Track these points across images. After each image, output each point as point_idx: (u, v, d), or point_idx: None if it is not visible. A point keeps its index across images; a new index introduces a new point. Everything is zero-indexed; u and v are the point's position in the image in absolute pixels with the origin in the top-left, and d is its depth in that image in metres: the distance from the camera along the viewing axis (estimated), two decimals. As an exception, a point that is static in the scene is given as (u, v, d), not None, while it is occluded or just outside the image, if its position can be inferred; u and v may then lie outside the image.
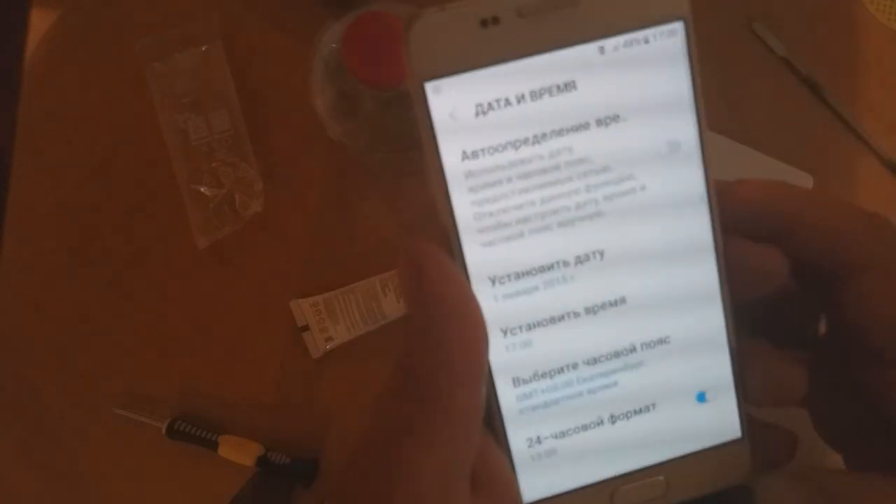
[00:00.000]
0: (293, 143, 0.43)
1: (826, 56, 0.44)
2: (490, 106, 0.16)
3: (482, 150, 0.16)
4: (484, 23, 0.15)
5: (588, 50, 0.16)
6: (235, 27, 0.44)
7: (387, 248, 0.42)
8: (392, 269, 0.41)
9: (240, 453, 0.39)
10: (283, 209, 0.43)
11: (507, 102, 0.16)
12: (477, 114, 0.16)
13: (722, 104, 0.43)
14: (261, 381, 0.41)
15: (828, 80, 0.43)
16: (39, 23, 0.45)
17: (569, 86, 0.16)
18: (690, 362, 0.17)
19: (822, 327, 0.18)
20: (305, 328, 0.40)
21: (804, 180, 0.42)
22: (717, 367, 0.18)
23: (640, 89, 0.16)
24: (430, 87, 0.16)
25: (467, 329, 0.15)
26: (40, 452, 0.41)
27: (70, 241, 0.43)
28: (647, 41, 0.16)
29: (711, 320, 0.17)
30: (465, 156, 0.16)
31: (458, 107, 0.16)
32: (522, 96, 0.16)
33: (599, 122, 0.16)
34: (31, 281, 0.42)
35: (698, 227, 0.17)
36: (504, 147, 0.16)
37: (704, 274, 0.17)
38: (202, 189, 0.42)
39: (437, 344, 0.14)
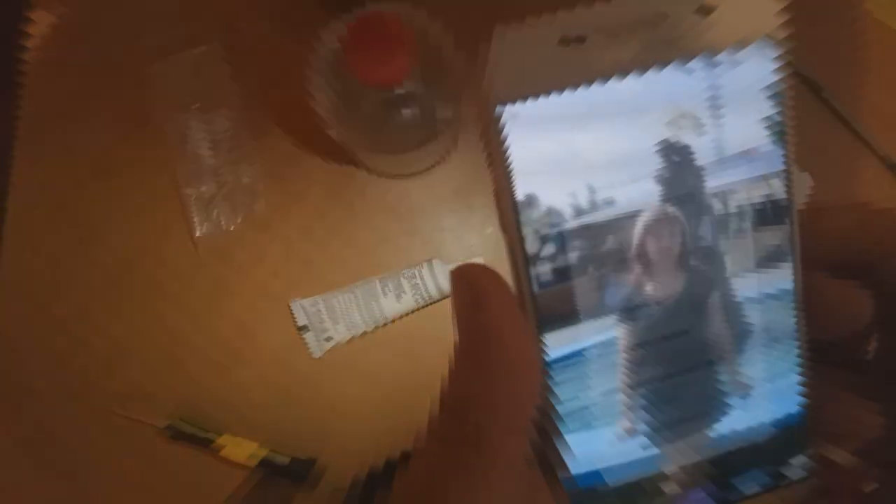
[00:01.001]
0: (293, 143, 0.43)
1: (826, 56, 0.44)
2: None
3: None
4: (565, 41, 0.14)
5: (677, 73, 0.15)
6: (235, 27, 0.44)
7: (387, 248, 0.42)
8: (392, 268, 0.41)
9: (240, 453, 0.39)
10: (283, 209, 0.43)
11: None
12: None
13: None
14: (261, 381, 0.41)
15: (828, 81, 0.43)
16: (39, 23, 0.45)
17: None
18: None
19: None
20: (305, 328, 0.40)
21: (803, 179, 0.42)
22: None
23: (731, 111, 0.16)
24: (507, 112, 0.14)
25: (523, 376, 0.14)
26: (40, 452, 0.41)
27: (70, 241, 0.43)
28: (738, 62, 0.15)
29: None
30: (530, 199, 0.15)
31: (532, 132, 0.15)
32: None
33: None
34: (31, 281, 0.42)
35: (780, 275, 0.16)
36: None
37: (783, 318, 0.16)
38: (202, 189, 0.42)
39: (490, 391, 0.14)
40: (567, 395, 0.16)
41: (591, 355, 0.16)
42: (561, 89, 0.14)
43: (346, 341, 0.40)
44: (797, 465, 0.17)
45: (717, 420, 0.17)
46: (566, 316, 0.16)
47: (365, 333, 0.40)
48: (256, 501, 0.39)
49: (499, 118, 0.14)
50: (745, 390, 0.17)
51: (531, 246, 0.15)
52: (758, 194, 0.16)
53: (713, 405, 0.17)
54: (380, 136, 0.36)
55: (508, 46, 0.14)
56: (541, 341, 0.15)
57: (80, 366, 0.41)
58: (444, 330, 0.41)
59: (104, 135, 0.44)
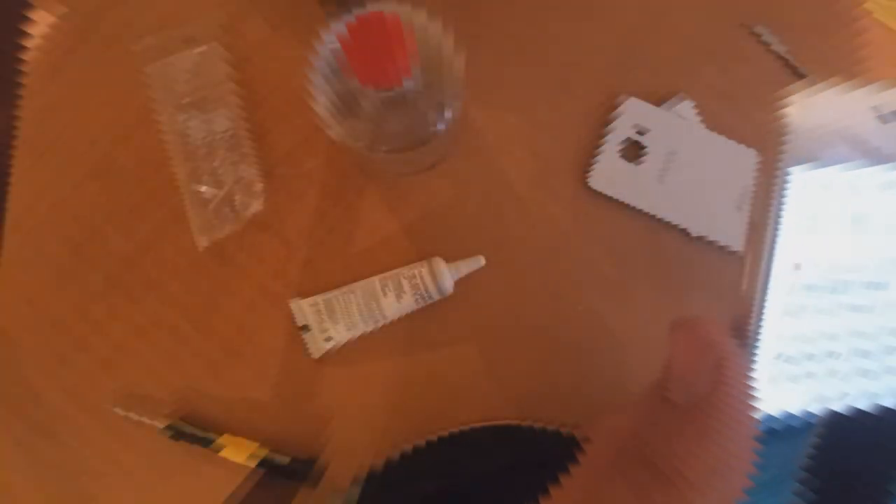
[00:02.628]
0: (293, 143, 0.43)
1: (826, 56, 0.44)
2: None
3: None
4: (882, 115, 0.13)
5: None
6: (235, 28, 0.45)
7: (387, 248, 0.42)
8: (392, 268, 0.41)
9: (240, 453, 0.39)
10: (283, 209, 0.43)
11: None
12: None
13: (722, 104, 0.43)
14: (261, 381, 0.41)
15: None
16: (39, 23, 0.45)
17: None
18: None
19: None
20: (305, 328, 0.40)
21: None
22: None
23: None
24: (798, 175, 0.13)
25: (745, 451, 0.14)
26: (40, 452, 0.41)
27: (70, 241, 0.43)
28: None
29: None
30: (797, 266, 0.14)
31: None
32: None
33: None
34: (31, 281, 0.42)
35: None
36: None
37: None
38: (202, 189, 0.42)
39: (708, 462, 0.14)
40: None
41: (785, 431, 0.15)
42: (864, 162, 0.13)
43: (346, 341, 0.40)
44: None
45: None
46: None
47: (365, 333, 0.40)
48: (256, 501, 0.39)
49: (785, 177, 0.13)
50: None
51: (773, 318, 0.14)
52: None
53: None
54: (380, 136, 0.36)
55: (811, 105, 0.13)
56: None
57: (80, 366, 0.41)
58: (444, 330, 0.41)
59: (104, 135, 0.44)
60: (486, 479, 0.38)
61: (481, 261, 0.41)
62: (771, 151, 0.13)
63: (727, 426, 0.14)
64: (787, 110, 0.13)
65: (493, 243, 0.42)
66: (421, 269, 0.40)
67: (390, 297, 0.40)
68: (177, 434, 0.39)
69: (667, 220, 0.42)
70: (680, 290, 0.41)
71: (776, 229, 0.13)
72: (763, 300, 0.14)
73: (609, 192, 0.42)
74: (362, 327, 0.40)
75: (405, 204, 0.43)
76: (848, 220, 0.13)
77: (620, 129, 0.43)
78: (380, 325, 0.40)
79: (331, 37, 0.34)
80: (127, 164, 0.43)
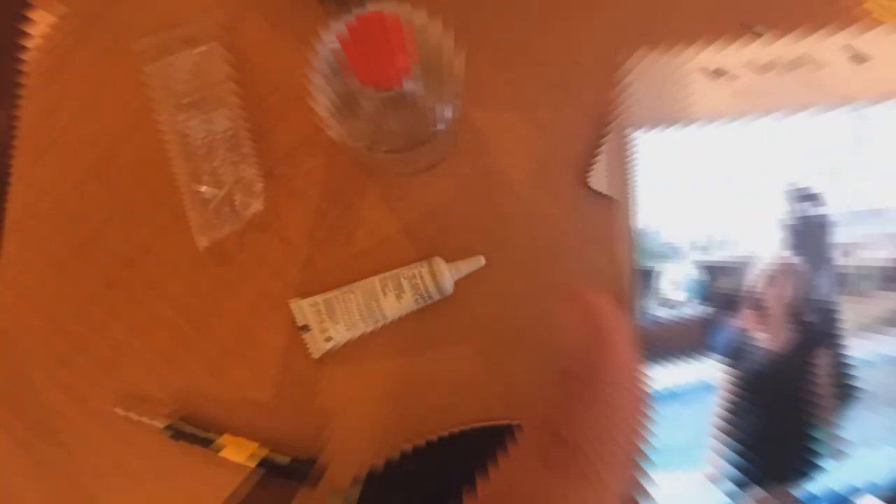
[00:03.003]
0: (293, 143, 0.43)
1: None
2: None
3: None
4: (708, 73, 0.14)
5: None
6: (235, 27, 0.44)
7: (387, 248, 0.42)
8: (392, 268, 0.40)
9: (240, 453, 0.39)
10: (283, 209, 0.43)
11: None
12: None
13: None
14: (261, 381, 0.41)
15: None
16: (39, 23, 0.45)
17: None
18: None
19: None
20: (305, 328, 0.40)
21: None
22: None
23: (871, 164, 0.15)
24: (638, 137, 0.14)
25: (635, 418, 0.14)
26: (40, 452, 0.41)
27: (70, 241, 0.43)
28: (887, 115, 0.14)
29: None
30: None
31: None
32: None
33: None
34: (31, 281, 0.42)
35: None
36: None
37: None
38: (202, 189, 0.42)
39: (606, 428, 0.14)
40: (659, 432, 0.16)
41: (689, 395, 0.16)
42: (699, 121, 0.14)
43: (346, 341, 0.40)
44: None
45: (805, 479, 0.16)
46: (669, 352, 0.15)
47: (365, 333, 0.40)
48: (256, 501, 0.39)
49: (630, 142, 0.14)
50: (841, 453, 0.16)
51: (643, 276, 0.15)
52: (887, 254, 0.15)
53: (804, 463, 0.16)
54: (380, 136, 0.36)
55: (647, 71, 0.13)
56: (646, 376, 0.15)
57: (80, 366, 0.41)
58: (444, 330, 0.41)
59: (104, 135, 0.44)
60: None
61: (481, 261, 0.41)
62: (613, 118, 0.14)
63: (615, 389, 0.14)
64: (627, 77, 0.14)
65: (493, 243, 0.42)
66: (421, 269, 0.40)
67: (390, 297, 0.40)
68: (177, 434, 0.39)
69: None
70: (680, 290, 0.41)
71: (631, 193, 0.14)
72: (634, 255, 0.14)
73: (609, 192, 0.42)
74: (362, 327, 0.40)
75: (405, 204, 0.43)
76: (692, 178, 0.14)
77: (620, 129, 0.43)
78: (380, 325, 0.40)
79: (331, 37, 0.34)
80: (127, 164, 0.43)
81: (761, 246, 0.15)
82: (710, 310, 0.15)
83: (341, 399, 0.41)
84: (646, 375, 0.15)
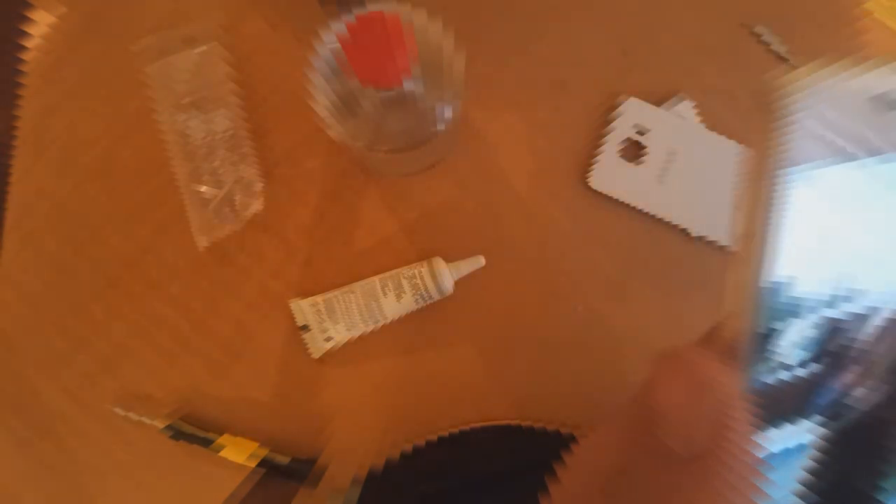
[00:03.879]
0: (293, 143, 0.43)
1: (826, 56, 0.44)
2: None
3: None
4: (881, 102, 0.11)
5: None
6: (235, 28, 0.45)
7: (387, 248, 0.42)
8: (392, 268, 0.40)
9: (240, 453, 0.39)
10: (283, 209, 0.43)
11: None
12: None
13: (722, 104, 0.43)
14: (261, 381, 0.41)
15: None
16: (39, 23, 0.45)
17: None
18: None
19: None
20: (305, 328, 0.40)
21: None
22: None
23: None
24: (798, 174, 0.11)
25: (748, 491, 0.13)
26: (40, 452, 0.41)
27: (70, 241, 0.43)
28: None
29: None
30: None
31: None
32: None
33: None
34: (31, 281, 0.42)
35: None
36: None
37: None
38: (202, 189, 0.42)
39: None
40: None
41: (782, 457, 0.14)
42: (874, 156, 0.11)
43: (346, 341, 0.40)
44: None
45: None
46: (774, 417, 0.14)
47: (365, 333, 0.40)
48: (256, 501, 0.39)
49: (782, 182, 0.11)
50: None
51: (761, 338, 0.13)
52: None
53: None
54: (380, 136, 0.36)
55: (815, 99, 0.11)
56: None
57: (80, 366, 0.41)
58: (444, 330, 0.41)
59: (104, 135, 0.44)
60: (486, 479, 0.38)
61: (481, 261, 0.41)
62: (761, 149, 0.12)
63: (731, 483, 0.13)
64: (781, 102, 0.11)
65: (493, 243, 0.42)
66: (421, 269, 0.40)
67: (390, 297, 0.40)
68: (177, 434, 0.39)
69: (667, 220, 0.42)
70: (680, 290, 0.41)
71: (770, 235, 0.12)
72: (757, 315, 0.12)
73: (609, 192, 0.42)
74: (362, 327, 0.40)
75: (405, 204, 0.43)
76: (849, 222, 0.12)
77: (620, 129, 0.43)
78: (380, 325, 0.40)
79: (331, 37, 0.34)
80: (127, 164, 0.43)
81: (888, 296, 0.13)
82: (819, 370, 0.13)
83: (341, 399, 0.41)
84: (760, 447, 0.13)
